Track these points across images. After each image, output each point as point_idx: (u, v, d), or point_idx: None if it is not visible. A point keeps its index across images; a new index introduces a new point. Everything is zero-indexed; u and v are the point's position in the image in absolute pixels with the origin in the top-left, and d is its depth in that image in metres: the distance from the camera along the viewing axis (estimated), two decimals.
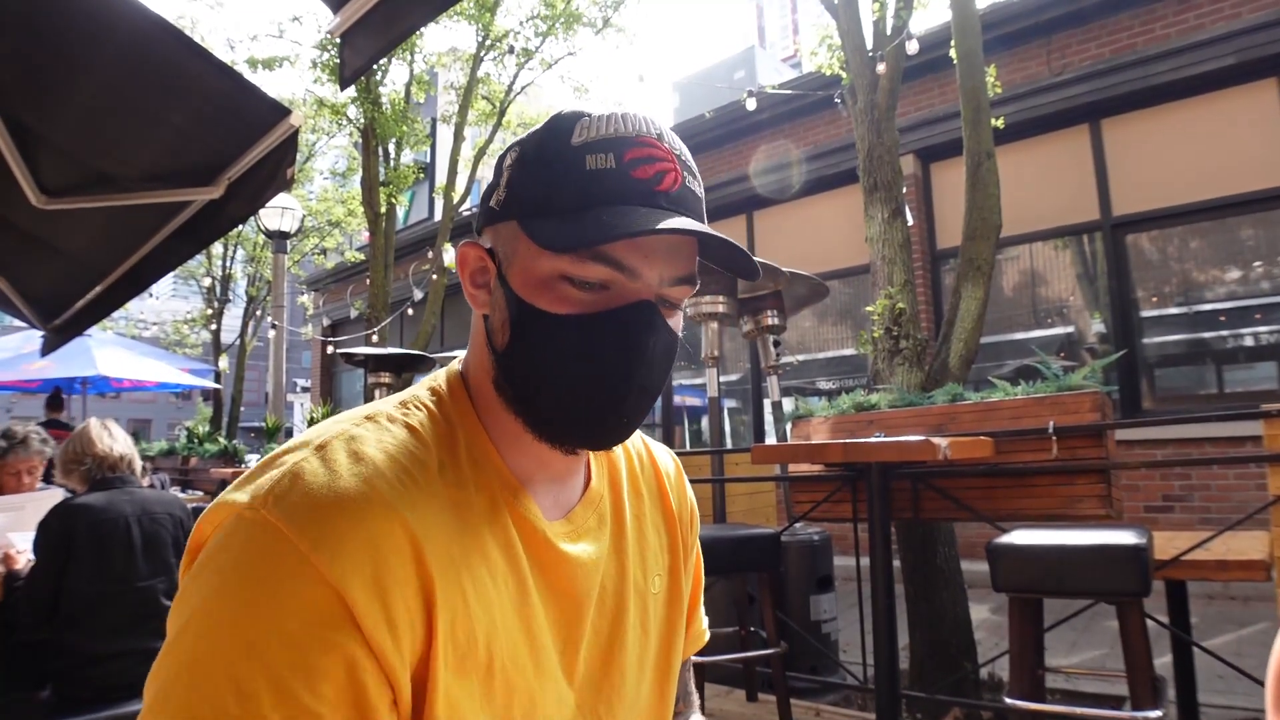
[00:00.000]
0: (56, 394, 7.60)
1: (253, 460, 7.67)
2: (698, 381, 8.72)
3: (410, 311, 9.80)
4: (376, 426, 0.59)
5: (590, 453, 0.71)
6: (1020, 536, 1.93)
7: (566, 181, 0.57)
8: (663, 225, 0.54)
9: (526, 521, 0.62)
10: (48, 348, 3.94)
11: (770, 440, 4.70)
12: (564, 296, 0.58)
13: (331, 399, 13.38)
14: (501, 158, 0.63)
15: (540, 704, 0.59)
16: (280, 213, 7.78)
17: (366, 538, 0.50)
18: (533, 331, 0.59)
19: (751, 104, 6.88)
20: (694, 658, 0.87)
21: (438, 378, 0.67)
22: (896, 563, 3.01)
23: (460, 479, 0.59)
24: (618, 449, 0.76)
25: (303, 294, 14.65)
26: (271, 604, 0.47)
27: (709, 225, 0.59)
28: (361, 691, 0.48)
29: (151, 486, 2.63)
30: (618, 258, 0.57)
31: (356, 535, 0.50)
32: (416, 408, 0.62)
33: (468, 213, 10.93)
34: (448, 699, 0.53)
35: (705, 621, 0.88)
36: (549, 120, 0.61)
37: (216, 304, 13.75)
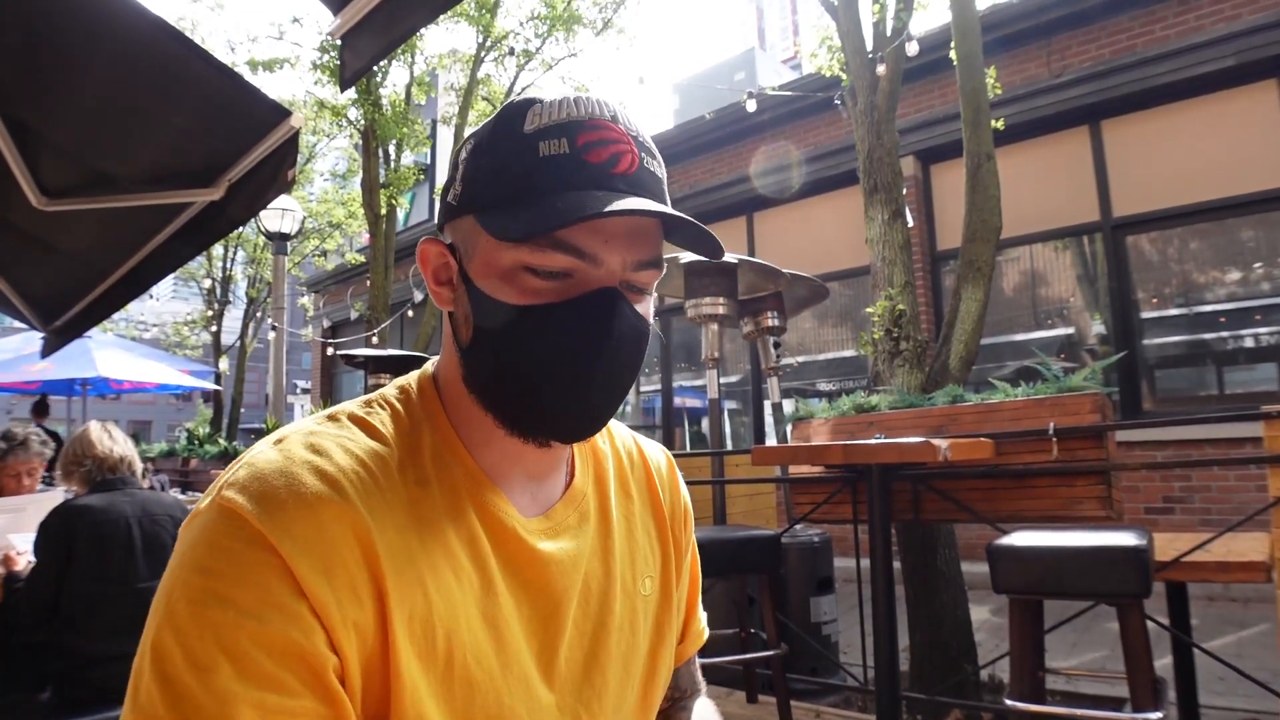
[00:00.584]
0: (42, 400, 7.65)
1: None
2: (698, 383, 8.72)
3: (410, 313, 9.81)
4: (337, 425, 0.59)
5: (574, 450, 0.71)
6: (1020, 538, 1.92)
7: (519, 170, 0.57)
8: (613, 207, 0.53)
9: (495, 518, 0.61)
10: (48, 349, 3.94)
11: (770, 442, 4.70)
12: (526, 287, 0.57)
13: (331, 400, 13.37)
14: (456, 152, 0.63)
15: (508, 703, 0.58)
16: (280, 214, 7.79)
17: (316, 524, 0.51)
18: (495, 324, 0.58)
19: (751, 105, 6.88)
20: (697, 657, 0.87)
21: (409, 378, 0.66)
22: (897, 564, 3.01)
23: (422, 477, 0.59)
24: (605, 447, 0.76)
25: (303, 296, 14.66)
26: (228, 576, 0.49)
27: (676, 209, 0.58)
28: (314, 655, 0.49)
29: (151, 488, 2.63)
30: (577, 244, 0.56)
31: (306, 521, 0.51)
32: (381, 406, 0.62)
33: None
34: (414, 695, 0.53)
35: (704, 619, 0.87)
36: (500, 110, 0.60)
37: (217, 305, 13.75)
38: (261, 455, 0.55)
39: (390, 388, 0.65)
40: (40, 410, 7.49)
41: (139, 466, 2.44)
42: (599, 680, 0.67)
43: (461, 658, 0.56)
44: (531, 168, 0.56)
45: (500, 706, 0.58)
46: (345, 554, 0.52)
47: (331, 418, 0.60)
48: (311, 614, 0.50)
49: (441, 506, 0.59)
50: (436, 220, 0.65)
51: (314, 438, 0.57)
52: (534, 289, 0.57)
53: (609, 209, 0.53)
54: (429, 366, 0.68)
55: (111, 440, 2.38)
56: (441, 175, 9.61)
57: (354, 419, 0.60)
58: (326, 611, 0.50)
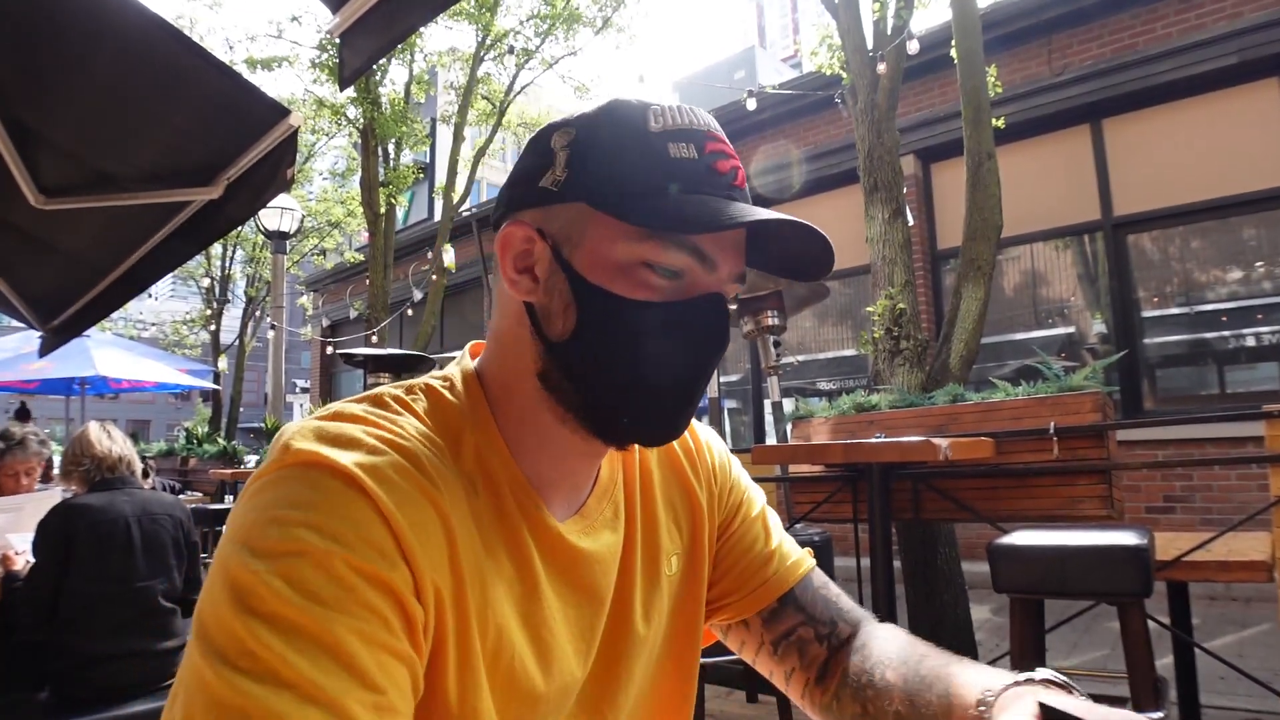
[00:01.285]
0: (23, 408, 7.69)
1: (252, 461, 7.67)
2: None
3: (410, 312, 9.80)
4: (382, 405, 0.57)
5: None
6: (1021, 537, 1.92)
7: (650, 167, 0.56)
8: (767, 216, 0.54)
9: (541, 521, 0.60)
10: (46, 348, 3.93)
11: (770, 441, 4.70)
12: (643, 282, 0.56)
13: (331, 399, 13.36)
14: (544, 138, 0.60)
15: (541, 710, 0.58)
16: (279, 213, 7.78)
17: (405, 486, 0.50)
18: (606, 318, 0.56)
19: (752, 104, 6.87)
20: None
21: (449, 371, 0.64)
22: (897, 563, 3.00)
23: (467, 472, 0.57)
24: None
25: (302, 294, 14.65)
26: (324, 509, 0.47)
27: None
28: (409, 604, 0.48)
29: (153, 488, 2.63)
30: (702, 247, 0.56)
31: (396, 479, 0.50)
32: (422, 394, 0.60)
33: (467, 213, 10.94)
34: (466, 678, 0.52)
35: (793, 548, 0.80)
36: (609, 105, 0.59)
37: (215, 304, 13.76)
38: (328, 423, 0.53)
39: (431, 377, 0.63)
40: (22, 416, 7.52)
41: (138, 466, 2.43)
42: (623, 671, 0.66)
43: (508, 655, 0.55)
44: (663, 167, 0.56)
45: (533, 713, 0.57)
46: (431, 521, 0.51)
47: (372, 399, 0.58)
48: (406, 565, 0.48)
49: (487, 505, 0.57)
50: (505, 205, 0.62)
51: (366, 413, 0.55)
52: (650, 285, 0.56)
53: (771, 217, 0.54)
54: (469, 362, 0.65)
55: (110, 440, 2.38)
56: (441, 174, 9.59)
57: (398, 401, 0.58)
58: (419, 569, 0.49)
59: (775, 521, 0.82)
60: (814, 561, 0.81)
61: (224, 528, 0.51)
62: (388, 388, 0.60)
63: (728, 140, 0.60)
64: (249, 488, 0.51)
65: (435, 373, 0.64)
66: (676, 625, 0.72)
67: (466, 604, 0.52)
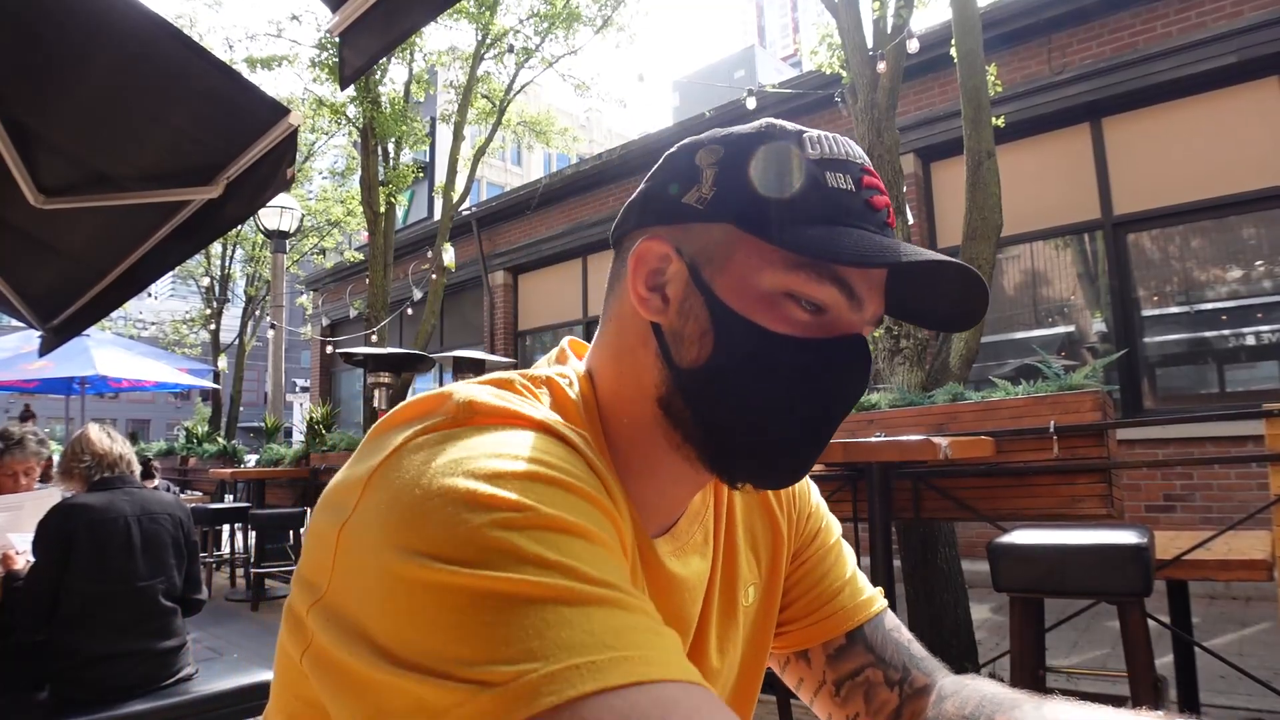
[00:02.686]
0: (27, 411, 7.71)
1: (251, 460, 7.67)
2: None
3: (409, 311, 9.80)
4: (513, 391, 0.54)
5: None
6: (1021, 536, 1.92)
7: (806, 192, 0.53)
8: (936, 259, 0.51)
9: (645, 545, 0.57)
10: (46, 348, 3.93)
11: None
12: (787, 315, 0.53)
13: (331, 399, 13.37)
14: (686, 155, 0.57)
15: None
16: (279, 212, 7.78)
17: (596, 473, 0.49)
18: (746, 349, 0.53)
19: (751, 103, 6.87)
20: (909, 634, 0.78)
21: (568, 371, 0.59)
22: (897, 563, 3.00)
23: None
24: None
25: (302, 294, 14.65)
26: (541, 459, 0.44)
27: None
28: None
29: (155, 488, 2.63)
30: (852, 284, 0.53)
31: (580, 464, 0.48)
32: (547, 387, 0.56)
33: (467, 212, 10.94)
34: None
35: (865, 585, 0.77)
36: (762, 127, 0.56)
37: (215, 304, 13.75)
38: (476, 392, 0.49)
39: (552, 371, 0.58)
40: (26, 420, 7.54)
41: (137, 468, 2.44)
42: None
43: None
44: (820, 194, 0.53)
45: None
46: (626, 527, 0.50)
47: (506, 385, 0.54)
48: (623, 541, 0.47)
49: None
50: (638, 218, 0.59)
51: (503, 394, 0.52)
52: (793, 319, 0.53)
53: (950, 261, 0.52)
54: (578, 363, 0.61)
55: (111, 440, 2.38)
56: (441, 173, 9.58)
57: (526, 387, 0.55)
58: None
59: (850, 555, 0.78)
60: (886, 602, 0.77)
61: (353, 499, 0.44)
62: (511, 374, 0.56)
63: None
64: (405, 444, 0.45)
65: (553, 367, 0.60)
66: (747, 657, 0.69)
67: None
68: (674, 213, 0.56)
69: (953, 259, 0.53)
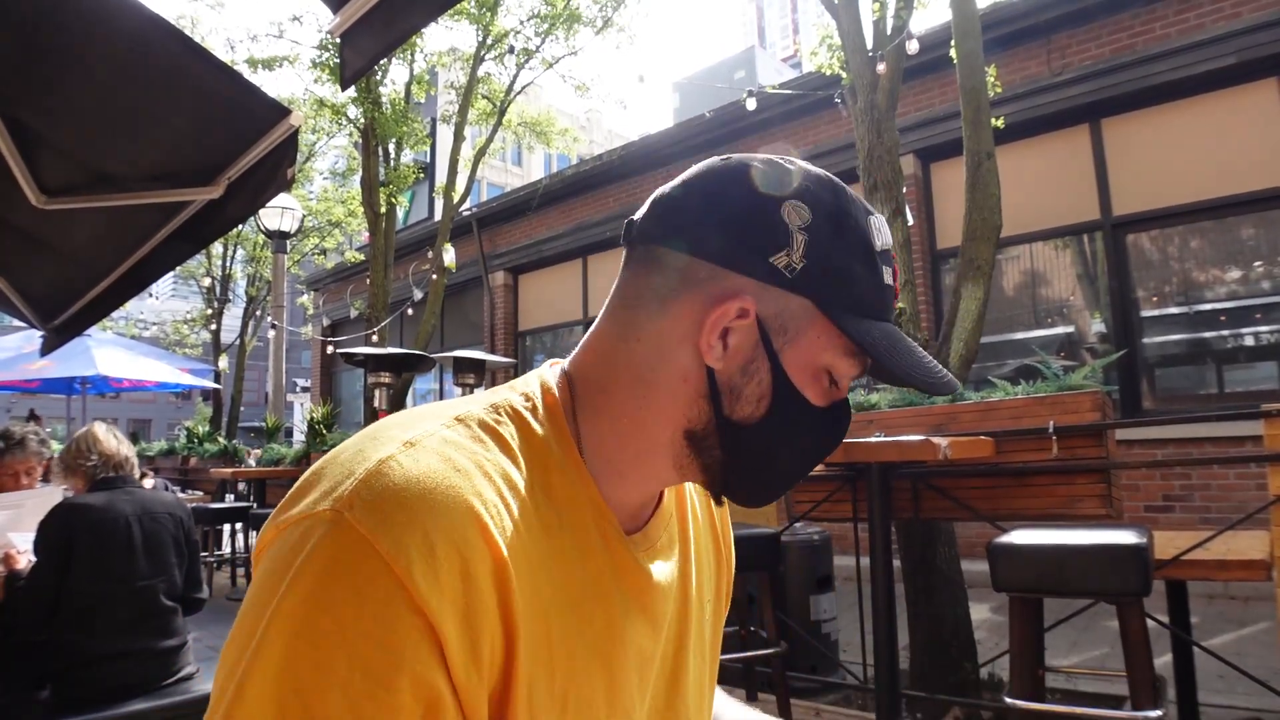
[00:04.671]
0: (32, 415, 7.74)
1: (252, 461, 7.68)
2: None
3: (410, 311, 9.80)
4: (469, 432, 0.53)
5: None
6: (1020, 536, 1.92)
7: (874, 290, 0.58)
8: (942, 381, 0.60)
9: (620, 552, 0.59)
10: (47, 348, 3.94)
11: None
12: (823, 388, 0.59)
13: (331, 399, 13.37)
14: (771, 204, 0.56)
15: None
16: (280, 213, 7.79)
17: (462, 565, 0.46)
18: (792, 417, 0.58)
19: (752, 104, 6.88)
20: None
21: (531, 388, 0.59)
22: (896, 562, 3.01)
23: (552, 506, 0.54)
24: None
25: (303, 294, 14.65)
26: (358, 628, 0.43)
27: None
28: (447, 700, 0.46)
29: (154, 488, 2.63)
30: (862, 364, 0.60)
31: (453, 561, 0.45)
32: (509, 417, 0.56)
33: (467, 213, 10.94)
34: None
35: None
36: (840, 197, 0.58)
37: (216, 304, 13.76)
38: (396, 466, 0.48)
39: (515, 395, 0.59)
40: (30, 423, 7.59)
41: (137, 471, 2.45)
42: (680, 705, 0.65)
43: (575, 708, 0.53)
44: (880, 294, 0.59)
45: None
46: (489, 604, 0.47)
47: (461, 420, 0.54)
48: (447, 682, 0.45)
49: (570, 542, 0.55)
50: (717, 256, 0.57)
51: (450, 449, 0.50)
52: (824, 390, 0.59)
53: (949, 382, 0.60)
54: (550, 380, 0.61)
55: (117, 441, 2.39)
56: (441, 174, 9.58)
57: (486, 429, 0.54)
58: (463, 679, 0.45)
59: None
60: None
61: (258, 580, 0.48)
62: (476, 409, 0.56)
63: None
64: (295, 534, 0.46)
65: (516, 389, 0.60)
66: (712, 664, 0.73)
67: (515, 681, 0.49)
68: (758, 269, 0.56)
69: (948, 379, 0.60)
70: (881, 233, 0.59)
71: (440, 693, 0.44)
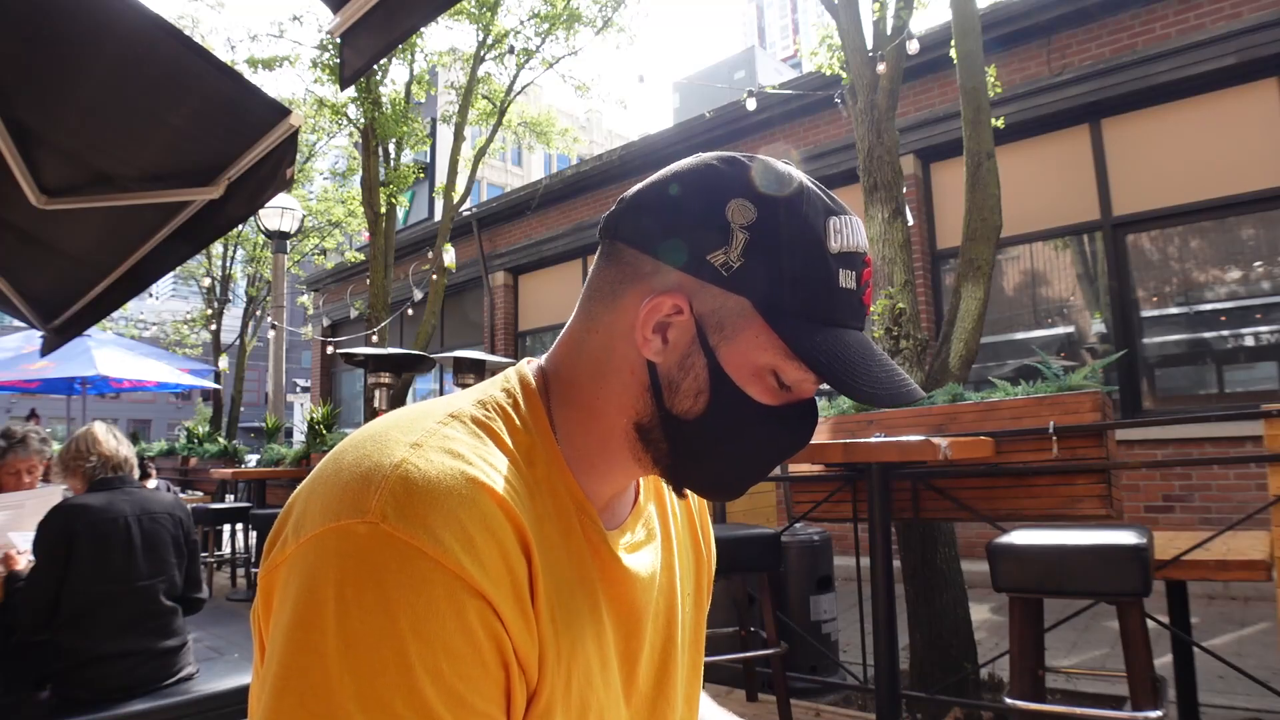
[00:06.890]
0: (33, 415, 7.74)
1: (252, 460, 7.68)
2: None
3: (410, 311, 9.81)
4: (466, 429, 0.55)
5: None
6: (1020, 536, 1.92)
7: (821, 292, 0.56)
8: (903, 392, 0.57)
9: (599, 543, 0.60)
10: (47, 348, 3.94)
11: None
12: (769, 387, 0.58)
13: (331, 399, 13.37)
14: (718, 202, 0.56)
15: None
16: (280, 213, 7.79)
17: (499, 547, 0.49)
18: (735, 414, 0.58)
19: (751, 104, 6.88)
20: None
21: (512, 383, 0.61)
22: (897, 563, 3.01)
23: (542, 496, 0.56)
24: None
25: (303, 294, 14.65)
26: (435, 621, 0.45)
27: None
28: (513, 697, 0.49)
29: (156, 489, 2.63)
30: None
31: (490, 546, 0.48)
32: (496, 413, 0.57)
33: (467, 213, 10.94)
34: (546, 712, 0.53)
35: None
36: (795, 194, 0.57)
37: (216, 304, 13.76)
38: (414, 469, 0.49)
39: (499, 391, 0.60)
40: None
41: (137, 472, 2.45)
42: (671, 694, 0.66)
43: (579, 683, 0.55)
44: (831, 296, 0.56)
45: None
46: (524, 577, 0.51)
47: (455, 418, 0.55)
48: (511, 653, 0.49)
49: (558, 531, 0.57)
50: (642, 237, 0.59)
51: (455, 444, 0.52)
52: (772, 390, 0.58)
53: (907, 393, 0.57)
54: (528, 373, 0.62)
55: (117, 442, 2.39)
56: (441, 174, 9.58)
57: (479, 424, 0.56)
58: (522, 649, 0.50)
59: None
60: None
61: (289, 605, 0.48)
62: (467, 405, 0.57)
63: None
64: (317, 554, 0.47)
65: (498, 384, 0.61)
66: (697, 657, 0.74)
67: (544, 652, 0.52)
68: (695, 265, 0.56)
69: (914, 389, 0.58)
70: (843, 235, 0.57)
71: (510, 661, 0.49)
